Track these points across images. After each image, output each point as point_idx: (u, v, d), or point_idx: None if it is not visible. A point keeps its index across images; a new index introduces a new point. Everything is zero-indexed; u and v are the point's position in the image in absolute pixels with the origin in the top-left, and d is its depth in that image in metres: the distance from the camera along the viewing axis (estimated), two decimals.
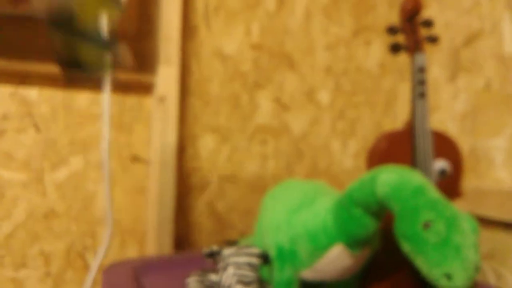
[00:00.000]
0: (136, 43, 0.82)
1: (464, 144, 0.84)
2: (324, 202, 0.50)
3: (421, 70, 0.56)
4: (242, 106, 0.91)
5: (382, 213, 0.44)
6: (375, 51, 1.02)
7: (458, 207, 0.81)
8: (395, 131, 0.56)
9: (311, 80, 0.97)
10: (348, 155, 1.00)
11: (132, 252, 0.83)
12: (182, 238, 0.87)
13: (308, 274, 0.51)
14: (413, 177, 0.40)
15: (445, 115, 0.89)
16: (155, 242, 0.80)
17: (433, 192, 0.39)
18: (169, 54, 0.80)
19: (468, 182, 0.82)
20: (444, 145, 0.56)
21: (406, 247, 0.38)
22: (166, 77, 0.80)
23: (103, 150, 0.80)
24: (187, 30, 0.87)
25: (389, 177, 0.41)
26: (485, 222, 0.79)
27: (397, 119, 1.04)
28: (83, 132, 0.79)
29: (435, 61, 0.92)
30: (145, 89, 0.83)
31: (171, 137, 0.81)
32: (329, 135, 0.98)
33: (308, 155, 0.97)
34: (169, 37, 0.81)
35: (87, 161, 0.80)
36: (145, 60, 0.83)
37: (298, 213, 0.52)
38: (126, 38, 0.82)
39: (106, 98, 0.66)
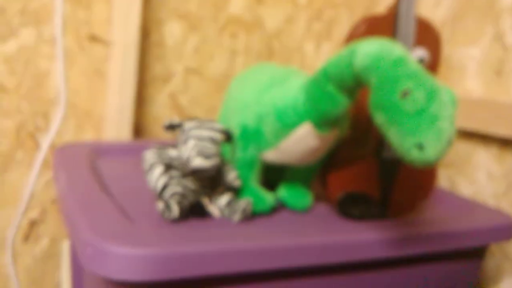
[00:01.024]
0: None
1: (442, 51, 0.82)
2: (297, 81, 0.47)
3: None
4: None
5: (356, 90, 0.42)
6: None
7: None
8: (375, 15, 0.52)
9: None
10: (322, 58, 0.96)
11: (88, 137, 0.79)
12: (142, 128, 0.83)
13: (271, 155, 0.49)
14: (394, 49, 0.37)
15: None
16: (112, 128, 0.76)
17: (414, 64, 0.36)
18: None
19: None
20: (426, 33, 0.53)
21: (381, 117, 0.36)
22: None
23: (57, 25, 0.73)
24: None
25: (370, 48, 0.38)
26: None
27: None
28: (36, 2, 0.71)
29: None
30: None
31: (135, 18, 0.74)
32: (304, 35, 0.94)
33: (279, 54, 0.92)
34: None
35: (40, 35, 0.72)
36: None
37: (268, 91, 0.49)
38: None
39: None
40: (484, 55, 0.73)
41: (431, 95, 0.34)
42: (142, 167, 0.65)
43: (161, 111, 0.84)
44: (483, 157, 0.72)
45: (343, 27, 0.97)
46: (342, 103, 0.43)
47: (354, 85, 0.41)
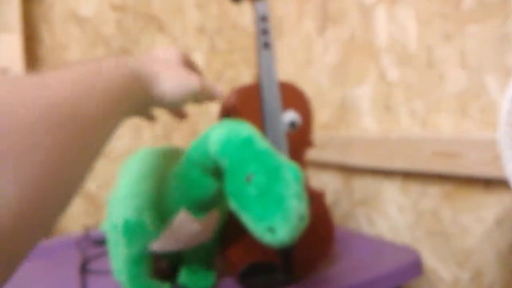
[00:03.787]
0: None
1: (335, 96, 0.84)
2: (171, 169, 0.47)
3: (264, 18, 0.53)
4: None
5: (220, 173, 0.42)
6: (248, 7, 0.99)
7: (331, 157, 0.82)
8: (244, 85, 0.53)
9: (183, 41, 0.92)
10: None
11: None
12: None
13: (158, 245, 0.47)
14: (241, 131, 0.37)
15: (318, 68, 0.89)
16: None
17: (260, 144, 0.36)
18: (7, 20, 0.71)
19: (339, 132, 0.83)
20: (293, 97, 0.54)
21: (233, 204, 0.35)
22: (7, 46, 0.71)
23: None
24: None
25: (218, 133, 0.38)
26: (356, 170, 0.80)
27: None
28: None
29: (306, 15, 0.91)
30: None
31: None
32: None
33: (186, 120, 0.93)
34: (6, 1, 0.71)
35: None
36: None
37: (144, 182, 0.48)
38: None
39: None
40: (373, 93, 0.76)
41: (274, 175, 0.34)
42: None
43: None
44: (391, 191, 0.74)
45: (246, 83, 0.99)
46: (210, 187, 0.42)
47: (216, 168, 0.40)
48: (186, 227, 0.45)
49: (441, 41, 0.63)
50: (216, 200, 0.45)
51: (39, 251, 0.68)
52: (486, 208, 0.58)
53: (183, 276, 0.52)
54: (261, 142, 0.37)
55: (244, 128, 0.38)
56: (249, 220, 0.34)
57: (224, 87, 0.96)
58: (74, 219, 0.82)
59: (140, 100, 0.36)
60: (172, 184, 0.44)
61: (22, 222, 0.21)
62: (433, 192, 0.66)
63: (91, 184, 0.83)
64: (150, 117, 0.47)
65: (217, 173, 0.41)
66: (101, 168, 0.83)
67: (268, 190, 0.33)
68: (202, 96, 0.43)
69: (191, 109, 0.92)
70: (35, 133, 0.22)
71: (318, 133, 0.88)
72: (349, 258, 0.60)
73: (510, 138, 0.37)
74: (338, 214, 0.86)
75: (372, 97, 0.76)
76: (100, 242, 0.71)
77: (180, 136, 0.92)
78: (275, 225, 0.32)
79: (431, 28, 0.64)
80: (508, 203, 0.56)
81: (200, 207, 0.44)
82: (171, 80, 0.39)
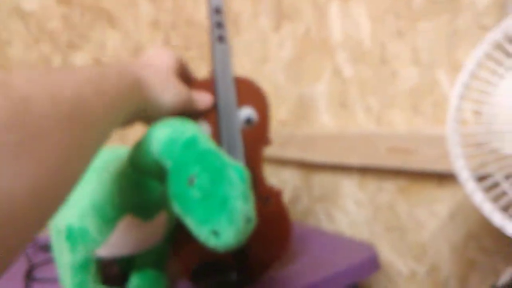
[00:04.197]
0: None
1: (293, 92, 0.84)
2: (114, 171, 0.44)
3: (218, 11, 0.51)
4: None
5: (164, 174, 0.40)
6: (204, 2, 0.97)
7: (291, 154, 0.82)
8: (200, 80, 0.52)
9: (136, 36, 0.88)
10: None
11: None
12: None
13: (104, 251, 0.45)
14: (185, 130, 0.35)
15: (274, 64, 0.88)
16: None
17: (204, 144, 0.34)
18: None
19: (298, 129, 0.82)
20: (249, 92, 0.53)
21: (176, 207, 0.33)
22: None
23: None
24: None
25: (161, 132, 0.36)
26: (315, 167, 0.80)
27: (234, 73, 1.01)
28: None
29: (262, 12, 0.90)
30: None
31: None
32: None
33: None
34: None
35: None
36: None
37: (86, 186, 0.45)
38: None
39: None
40: (329, 90, 0.76)
41: (217, 176, 0.32)
42: None
43: None
44: (349, 187, 0.74)
45: None
46: (154, 190, 0.40)
47: (160, 169, 0.38)
48: (133, 231, 0.43)
49: (393, 37, 0.63)
50: (162, 203, 0.43)
51: None
52: (440, 202, 0.59)
53: (135, 280, 0.50)
54: (206, 142, 0.35)
55: (188, 127, 0.36)
56: (192, 224, 0.32)
57: None
58: None
59: (140, 104, 0.37)
60: (115, 188, 0.42)
61: (21, 216, 0.21)
62: (389, 187, 0.66)
63: None
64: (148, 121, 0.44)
65: (161, 175, 0.39)
66: None
67: (211, 191, 0.32)
68: (189, 108, 0.43)
69: None
70: (45, 126, 0.22)
71: (276, 130, 0.87)
72: (307, 256, 0.60)
73: (458, 135, 0.37)
74: (298, 210, 0.86)
75: (328, 94, 0.76)
76: (48, 247, 0.68)
77: (133, 134, 0.88)
78: (219, 228, 0.31)
79: (383, 25, 0.64)
80: (460, 197, 0.57)
81: (145, 210, 0.42)
82: (161, 89, 0.39)
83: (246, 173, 0.33)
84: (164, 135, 0.35)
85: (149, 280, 0.50)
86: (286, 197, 0.89)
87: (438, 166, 0.55)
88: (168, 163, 0.35)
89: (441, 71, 0.58)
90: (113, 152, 0.49)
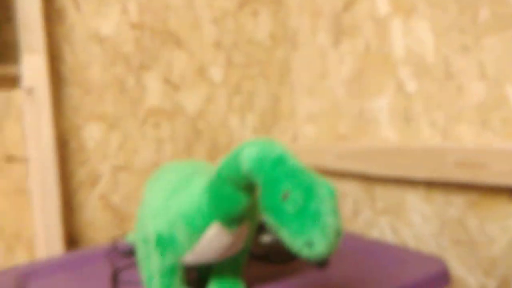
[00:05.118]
0: None
1: (353, 107, 0.85)
2: (200, 183, 0.48)
3: None
4: (128, 90, 0.86)
5: (252, 187, 0.43)
6: (264, 21, 1.00)
7: (351, 167, 0.83)
8: None
9: (200, 56, 0.93)
10: (248, 130, 0.98)
11: (21, 258, 0.76)
12: (76, 236, 0.81)
13: (190, 258, 0.49)
14: (274, 149, 0.39)
15: (334, 80, 0.90)
16: (44, 245, 0.73)
17: (292, 162, 0.38)
18: (31, 42, 0.73)
19: (360, 143, 0.84)
20: None
21: (270, 220, 0.37)
22: (32, 67, 0.72)
23: None
24: (53, 13, 0.79)
25: (251, 151, 0.40)
26: (378, 179, 0.81)
27: (293, 89, 1.04)
28: None
29: (320, 28, 0.92)
30: (11, 81, 0.75)
31: (47, 131, 0.73)
32: (226, 111, 0.96)
33: (206, 134, 0.94)
34: (30, 23, 0.73)
35: None
36: (6, 50, 0.74)
37: (175, 196, 0.49)
38: None
39: None
40: (391, 104, 0.77)
41: (309, 193, 0.35)
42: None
43: (94, 214, 0.82)
44: (414, 200, 0.74)
45: (263, 97, 1.00)
46: (242, 201, 0.43)
47: (248, 183, 0.42)
48: (219, 240, 0.46)
49: (458, 52, 0.64)
50: (247, 213, 0.46)
51: (68, 262, 0.69)
52: None
53: (213, 285, 0.53)
54: (294, 160, 0.38)
55: (276, 146, 0.39)
56: (287, 235, 0.35)
57: (241, 100, 0.97)
58: (100, 231, 0.83)
59: None
60: (203, 199, 0.45)
61: None
62: (458, 201, 0.66)
63: (115, 197, 0.84)
64: None
65: (249, 188, 0.43)
66: (124, 181, 0.85)
67: (305, 206, 0.35)
68: None
69: (211, 122, 0.94)
70: None
71: (335, 144, 0.89)
72: (373, 268, 0.61)
73: None
74: (359, 223, 0.87)
75: (390, 108, 0.77)
76: (128, 253, 0.72)
77: (201, 150, 0.93)
78: (313, 240, 0.34)
79: (448, 40, 0.65)
80: None
81: (233, 220, 0.45)
82: None
83: (334, 190, 0.36)
84: (254, 153, 0.39)
85: (229, 284, 0.53)
86: (346, 209, 0.90)
87: (510, 180, 0.55)
88: (259, 180, 0.38)
89: (509, 86, 0.58)
90: (197, 165, 0.53)
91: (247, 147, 0.40)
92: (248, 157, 0.39)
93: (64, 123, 0.80)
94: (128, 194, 0.85)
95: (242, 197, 0.43)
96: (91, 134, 0.82)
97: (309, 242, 0.34)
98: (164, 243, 0.48)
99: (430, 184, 0.71)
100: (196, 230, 0.46)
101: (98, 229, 0.83)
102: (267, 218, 0.37)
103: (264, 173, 0.37)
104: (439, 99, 0.68)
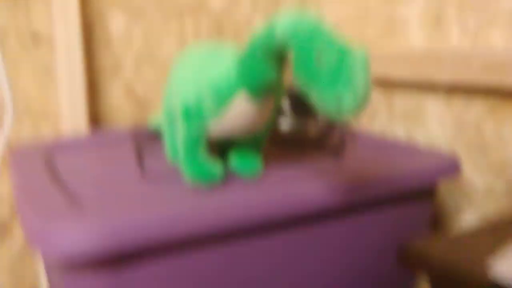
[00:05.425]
0: None
1: (384, 11, 0.83)
2: (231, 56, 0.49)
3: None
4: None
5: (283, 58, 0.44)
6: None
7: (372, 70, 0.83)
8: None
9: None
10: None
11: (46, 135, 0.80)
12: (99, 117, 0.84)
13: (215, 131, 0.51)
14: (309, 17, 0.40)
15: None
16: (68, 124, 0.76)
17: (327, 29, 0.39)
18: None
19: (386, 48, 0.83)
20: None
21: (301, 79, 0.38)
22: None
23: None
24: None
25: (286, 18, 0.41)
26: (398, 85, 0.81)
27: None
28: None
29: None
30: None
31: (74, 13, 0.74)
32: (251, 10, 0.94)
33: (229, 32, 0.93)
34: None
35: None
36: None
37: (204, 70, 0.50)
38: None
39: None
40: (422, 9, 0.75)
41: (343, 56, 0.36)
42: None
43: (117, 99, 0.85)
44: (433, 106, 0.75)
45: (289, 0, 0.98)
46: (271, 71, 0.45)
47: (280, 52, 0.43)
48: (244, 111, 0.48)
49: None
50: (275, 86, 0.47)
51: (93, 140, 0.72)
52: None
53: (233, 159, 0.56)
54: (328, 28, 0.39)
55: (311, 16, 0.40)
56: (318, 93, 0.37)
57: (267, 1, 0.95)
58: (122, 116, 0.86)
59: None
60: (229, 69, 0.47)
61: None
62: (477, 107, 0.67)
63: (138, 87, 0.86)
64: None
65: (280, 58, 0.44)
66: (147, 74, 0.86)
67: (337, 66, 0.36)
68: None
69: (236, 21, 0.93)
70: None
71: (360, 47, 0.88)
72: (387, 159, 0.63)
73: None
74: (375, 128, 0.88)
75: (421, 13, 0.75)
76: (152, 135, 0.75)
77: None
78: (343, 95, 0.35)
79: None
80: None
81: (259, 89, 0.46)
82: None
83: (367, 57, 0.37)
84: (289, 20, 0.40)
85: (248, 159, 0.56)
86: (362, 113, 0.91)
87: None
88: (292, 43, 0.39)
89: None
90: (226, 44, 0.54)
91: (282, 17, 0.41)
92: (283, 24, 0.40)
93: (91, 9, 0.80)
94: (151, 84, 0.87)
95: (271, 67, 0.44)
96: (116, 23, 0.82)
97: (339, 97, 0.35)
98: (191, 113, 0.50)
99: (452, 90, 0.71)
100: (223, 97, 0.48)
101: (120, 114, 0.86)
102: (299, 80, 0.38)
103: (299, 38, 0.38)
104: (472, 2, 0.66)
